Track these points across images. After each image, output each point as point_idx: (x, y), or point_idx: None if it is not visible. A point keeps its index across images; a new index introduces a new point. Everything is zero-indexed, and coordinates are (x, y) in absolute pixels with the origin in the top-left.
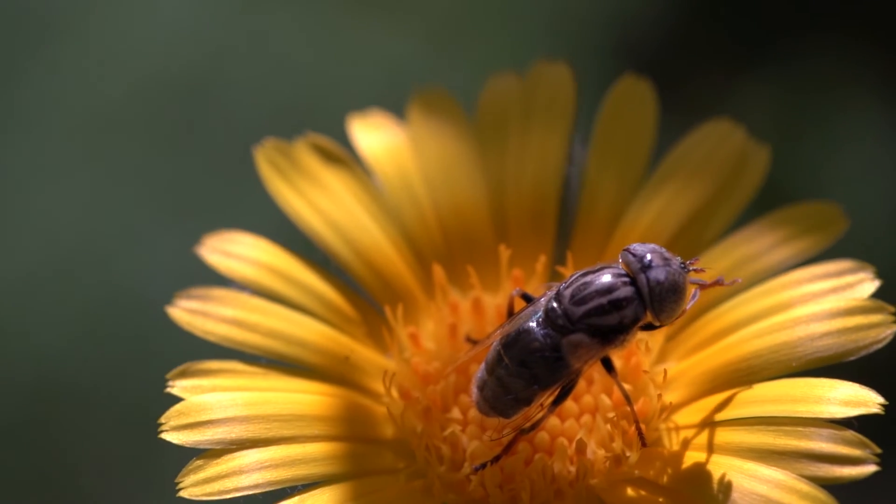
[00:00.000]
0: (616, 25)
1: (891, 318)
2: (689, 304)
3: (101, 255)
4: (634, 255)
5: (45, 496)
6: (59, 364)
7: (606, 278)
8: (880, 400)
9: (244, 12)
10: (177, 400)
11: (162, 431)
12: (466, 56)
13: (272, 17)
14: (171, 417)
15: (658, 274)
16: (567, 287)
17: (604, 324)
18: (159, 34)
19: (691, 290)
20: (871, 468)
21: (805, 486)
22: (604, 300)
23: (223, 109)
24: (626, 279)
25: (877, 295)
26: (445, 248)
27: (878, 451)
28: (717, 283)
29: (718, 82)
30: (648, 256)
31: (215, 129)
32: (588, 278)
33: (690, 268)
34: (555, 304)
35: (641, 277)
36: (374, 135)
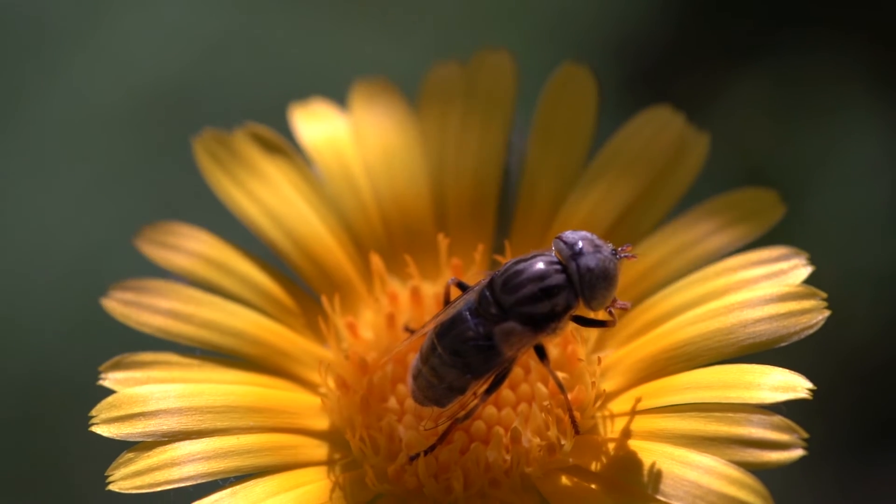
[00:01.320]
0: (612, 27)
1: (822, 303)
2: (614, 318)
3: (94, 253)
4: (566, 243)
5: (37, 493)
6: (53, 360)
7: (538, 266)
8: (809, 385)
9: (237, 16)
10: (111, 392)
11: (93, 424)
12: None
13: (265, 20)
14: (102, 410)
15: (588, 261)
16: (500, 275)
17: (536, 312)
18: (153, 38)
19: (626, 286)
20: (798, 452)
21: (735, 472)
22: (535, 288)
23: (215, 112)
24: (558, 266)
25: (875, 293)
26: (385, 238)
27: (806, 435)
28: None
29: (712, 80)
30: (580, 244)
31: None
32: (520, 266)
33: (622, 255)
34: (487, 293)
35: (572, 265)
36: (315, 124)
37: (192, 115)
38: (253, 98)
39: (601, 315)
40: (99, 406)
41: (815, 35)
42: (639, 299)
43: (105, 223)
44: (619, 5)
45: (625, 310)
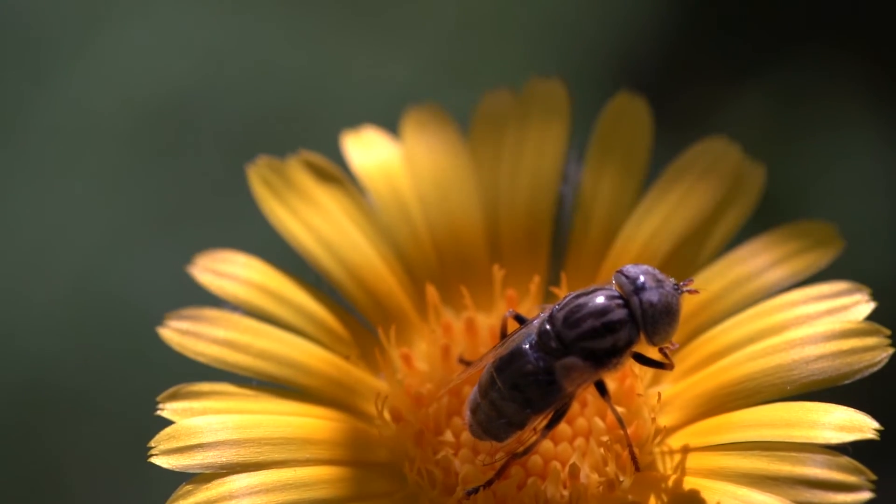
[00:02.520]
0: (611, 42)
1: (886, 341)
2: (671, 361)
3: (91, 262)
4: (627, 277)
5: (33, 502)
6: (48, 370)
7: (600, 300)
8: (875, 425)
9: (234, 26)
10: (167, 423)
11: (152, 455)
12: (465, 76)
13: (262, 30)
14: (161, 441)
15: (651, 296)
16: (560, 309)
17: (597, 347)
18: (149, 49)
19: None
20: (865, 495)
21: None
22: (597, 323)
23: (215, 124)
24: (620, 301)
25: (874, 313)
26: (439, 268)
27: (873, 477)
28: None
29: (711, 96)
30: (641, 278)
31: (207, 143)
32: (581, 300)
33: (684, 289)
34: (548, 327)
35: (634, 299)
36: (367, 152)
37: (188, 125)
38: (250, 108)
39: (657, 354)
40: (158, 437)
41: (814, 51)
42: (695, 333)
43: (102, 233)
44: (619, 20)
45: (673, 350)
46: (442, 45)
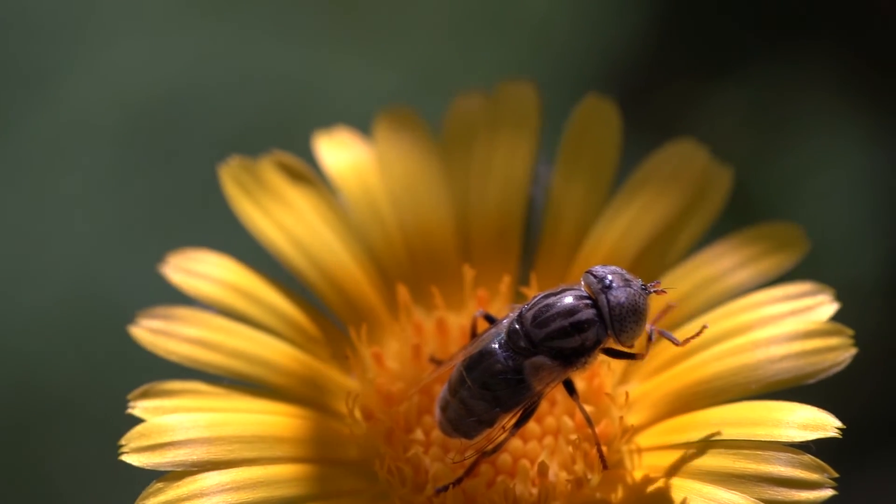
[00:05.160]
0: (592, 42)
1: (849, 341)
2: (646, 351)
3: (82, 266)
4: (596, 277)
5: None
6: (37, 372)
7: (568, 300)
8: (838, 424)
9: (223, 32)
10: (139, 421)
11: (122, 454)
12: (450, 83)
13: (250, 35)
14: (131, 439)
15: (619, 295)
16: (529, 309)
17: (565, 346)
18: (140, 54)
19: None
20: (827, 492)
21: None
22: (565, 322)
23: (205, 127)
24: (588, 301)
25: (858, 313)
26: (410, 268)
27: (836, 475)
28: (669, 337)
29: (688, 95)
30: (609, 278)
31: (198, 146)
32: (550, 300)
33: (651, 290)
34: (517, 326)
35: (602, 299)
36: (339, 152)
37: (179, 128)
38: (240, 112)
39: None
40: (128, 435)
41: (796, 48)
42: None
43: (91, 236)
44: (600, 21)
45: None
46: (428, 52)
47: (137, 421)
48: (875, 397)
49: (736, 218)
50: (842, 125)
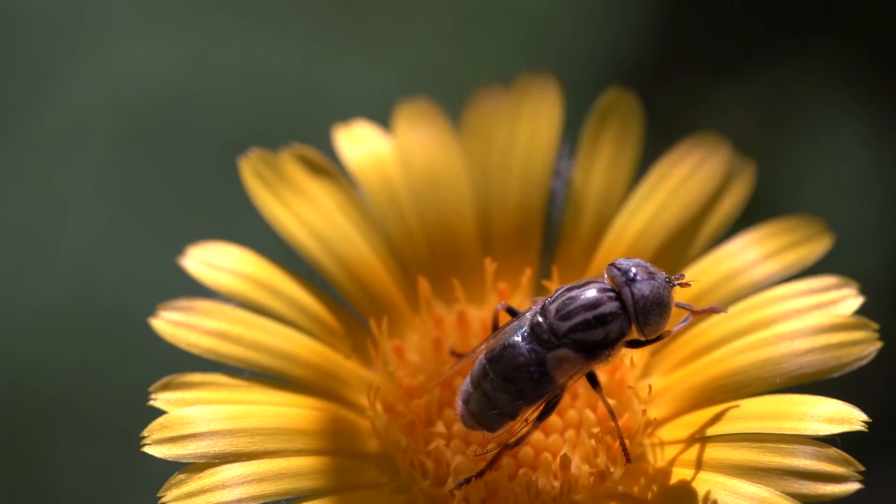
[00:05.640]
0: (597, 39)
1: (874, 335)
2: (677, 328)
3: (82, 263)
4: (619, 270)
5: (20, 501)
6: (37, 371)
7: (591, 293)
8: (863, 417)
9: (224, 29)
10: (159, 413)
11: (144, 445)
12: (454, 80)
13: (251, 33)
14: (153, 431)
15: (643, 288)
16: (552, 302)
17: (589, 339)
18: (140, 51)
19: (682, 313)
20: (854, 486)
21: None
22: (589, 315)
23: (207, 125)
24: (612, 294)
25: (867, 307)
26: (431, 261)
27: (861, 468)
28: (712, 310)
29: (699, 89)
30: (633, 270)
31: (199, 144)
32: (573, 293)
33: (675, 283)
34: (540, 319)
35: (626, 291)
36: (359, 146)
37: (180, 126)
38: (242, 110)
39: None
40: (150, 426)
41: (801, 45)
42: (687, 326)
43: (93, 234)
44: (604, 18)
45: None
46: (430, 51)
47: (140, 418)
48: (889, 393)
49: (748, 213)
50: (847, 121)
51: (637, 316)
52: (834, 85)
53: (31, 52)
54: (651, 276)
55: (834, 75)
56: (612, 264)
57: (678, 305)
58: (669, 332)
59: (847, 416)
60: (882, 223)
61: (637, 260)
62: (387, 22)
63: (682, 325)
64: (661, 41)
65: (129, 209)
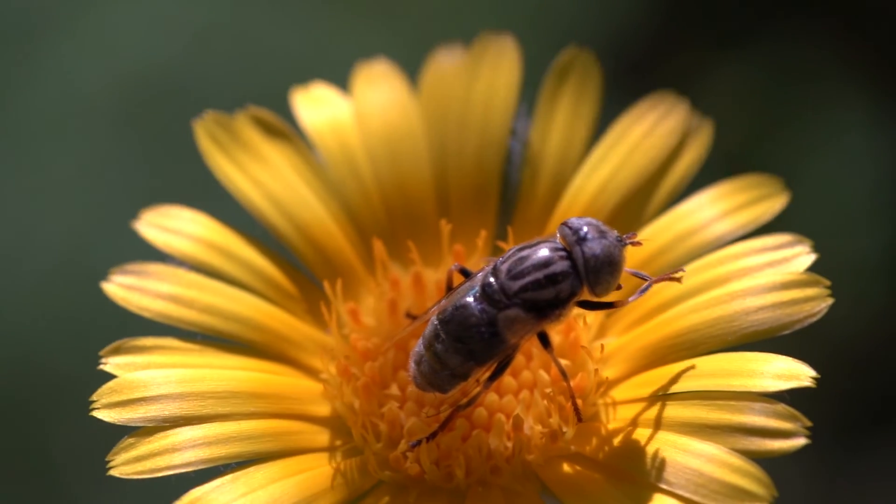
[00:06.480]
0: (597, 17)
1: (826, 291)
2: (633, 298)
3: (79, 241)
4: (571, 229)
5: (22, 479)
6: (31, 348)
7: (542, 252)
8: (812, 373)
9: (223, 4)
10: (111, 377)
11: (93, 409)
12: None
13: (251, 9)
14: (103, 395)
15: (594, 246)
16: (504, 262)
17: (539, 298)
18: (138, 27)
19: (641, 282)
20: (801, 441)
21: (737, 460)
22: (539, 275)
23: (202, 103)
24: (563, 253)
25: (861, 282)
26: (387, 224)
27: (809, 423)
28: (669, 278)
29: (698, 67)
30: (584, 229)
31: (189, 122)
32: (524, 252)
33: (627, 241)
34: (491, 279)
35: (577, 250)
36: (316, 108)
37: (177, 103)
38: (239, 86)
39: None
40: (100, 391)
41: (800, 24)
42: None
43: (90, 212)
44: (607, 7)
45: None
46: (428, 27)
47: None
48: (887, 375)
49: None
50: (844, 101)
51: (588, 275)
52: (831, 66)
53: (23, 27)
54: (602, 234)
55: (831, 56)
56: (564, 223)
57: (634, 274)
58: (624, 302)
59: (796, 373)
60: (878, 205)
61: (589, 219)
62: (387, 1)
63: (638, 294)
64: (660, 18)
65: (123, 186)
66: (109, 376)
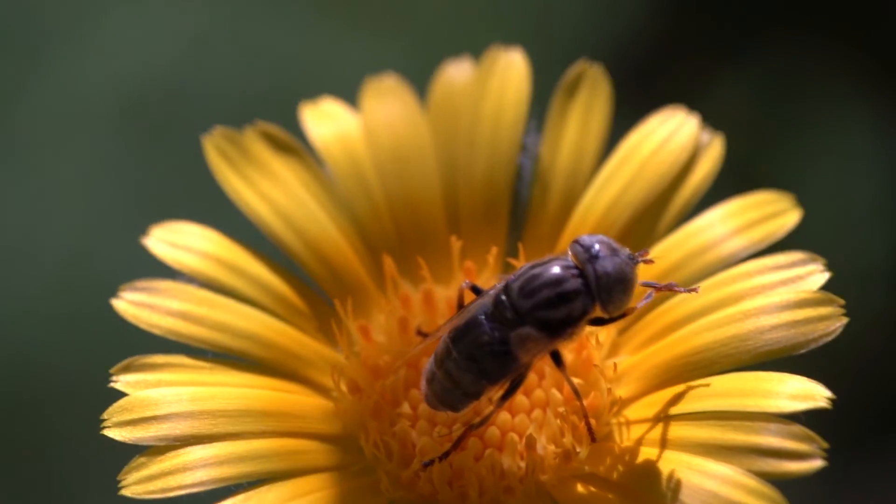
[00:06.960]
0: (598, 27)
1: (840, 310)
2: (640, 304)
3: (80, 247)
4: (582, 247)
5: (19, 483)
6: (32, 353)
7: (555, 271)
8: (828, 394)
9: (223, 12)
10: (122, 395)
11: (104, 428)
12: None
13: (250, 17)
14: (113, 413)
15: (606, 264)
16: (516, 280)
17: (552, 317)
18: (139, 35)
19: (645, 290)
20: (817, 463)
21: (753, 482)
22: (552, 293)
23: (204, 108)
24: (575, 271)
25: (863, 288)
26: (397, 240)
27: (825, 445)
28: (669, 287)
29: (702, 78)
30: (596, 247)
31: (197, 127)
32: (536, 271)
33: (639, 259)
34: (503, 297)
35: (589, 268)
36: (325, 123)
37: (179, 110)
38: (239, 94)
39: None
40: (111, 409)
41: (802, 35)
42: (653, 304)
43: (91, 218)
44: (606, 6)
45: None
46: (430, 33)
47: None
48: (887, 382)
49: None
50: (848, 112)
51: (600, 293)
52: (836, 74)
53: (26, 34)
54: (614, 252)
55: (836, 65)
56: (576, 241)
57: (643, 284)
58: (633, 309)
59: (812, 393)
60: (883, 211)
61: (600, 236)
62: (388, 7)
63: (645, 301)
64: (664, 28)
65: (125, 193)
66: (117, 391)
